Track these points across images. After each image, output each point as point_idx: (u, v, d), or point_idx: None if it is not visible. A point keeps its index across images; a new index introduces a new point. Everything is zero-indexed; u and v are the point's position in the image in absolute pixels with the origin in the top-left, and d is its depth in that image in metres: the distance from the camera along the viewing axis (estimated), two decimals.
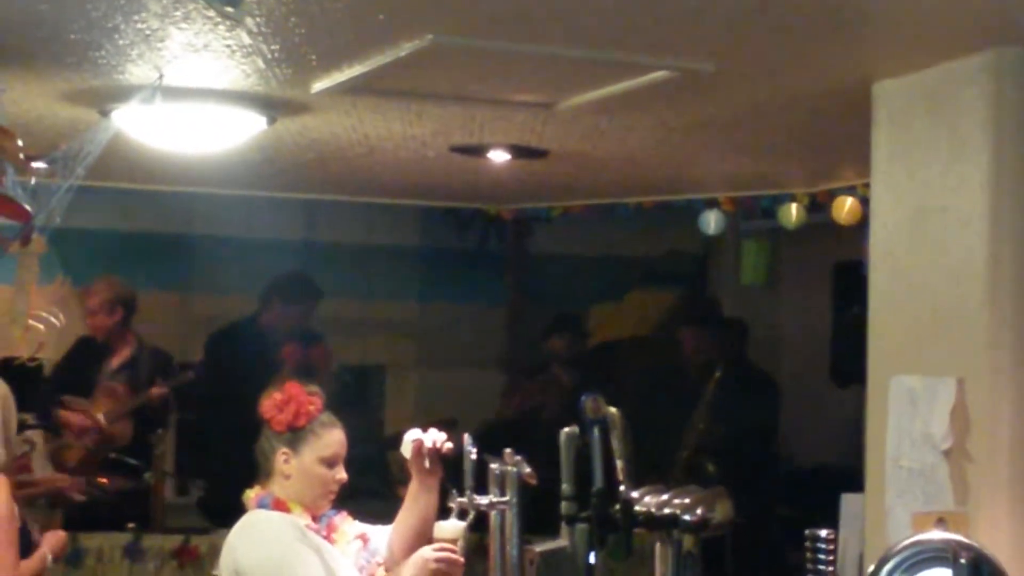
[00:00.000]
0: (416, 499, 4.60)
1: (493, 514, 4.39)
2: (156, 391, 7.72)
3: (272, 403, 4.53)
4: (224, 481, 7.61)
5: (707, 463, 8.04)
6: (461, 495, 4.39)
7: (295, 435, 4.51)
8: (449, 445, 4.52)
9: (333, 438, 4.55)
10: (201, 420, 8.24)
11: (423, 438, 4.52)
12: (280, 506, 4.49)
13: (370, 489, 6.97)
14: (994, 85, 4.57)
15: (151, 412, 7.77)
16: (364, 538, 4.62)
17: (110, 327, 7.80)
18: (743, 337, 8.75)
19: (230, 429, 7.77)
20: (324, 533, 4.54)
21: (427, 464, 4.52)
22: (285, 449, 4.51)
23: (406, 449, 4.53)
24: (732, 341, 8.66)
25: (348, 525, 4.63)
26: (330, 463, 4.53)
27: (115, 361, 7.85)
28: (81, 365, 7.85)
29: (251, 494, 4.56)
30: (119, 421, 7.65)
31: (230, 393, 7.88)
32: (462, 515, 4.40)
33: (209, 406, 8.13)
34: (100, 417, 7.56)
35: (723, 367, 8.38)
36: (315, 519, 4.54)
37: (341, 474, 4.56)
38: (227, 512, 7.11)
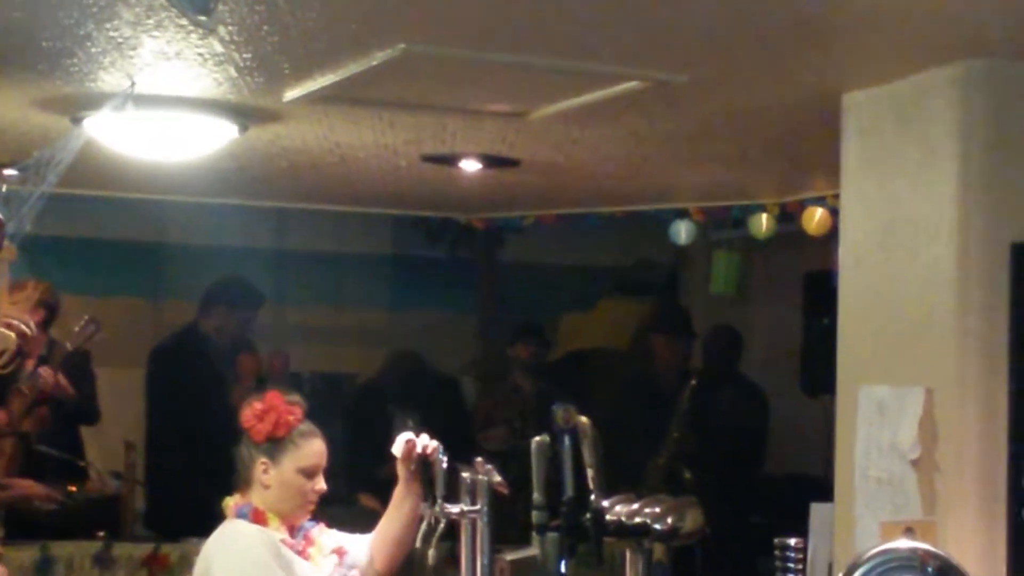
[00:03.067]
0: (400, 505, 4.60)
1: (464, 523, 4.40)
2: (45, 376, 7.54)
3: (252, 413, 4.52)
4: (174, 493, 7.65)
5: (683, 471, 8.05)
6: (432, 504, 4.40)
7: (274, 445, 4.50)
8: (438, 453, 4.51)
9: (313, 448, 4.54)
10: (149, 433, 8.19)
11: (415, 441, 4.52)
12: (259, 517, 4.47)
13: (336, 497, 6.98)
14: (963, 96, 4.60)
15: (63, 399, 7.62)
16: (340, 552, 4.61)
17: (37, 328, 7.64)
18: (735, 346, 8.77)
19: (180, 442, 7.81)
20: (300, 546, 4.52)
21: (412, 467, 4.53)
22: (264, 459, 4.49)
23: (397, 448, 4.53)
24: (722, 349, 8.69)
25: (325, 537, 4.62)
26: (309, 473, 4.51)
27: (30, 363, 7.72)
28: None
29: (230, 502, 4.54)
30: (25, 417, 7.52)
31: (179, 405, 7.89)
32: (433, 524, 4.41)
33: (158, 418, 8.11)
34: (10, 420, 7.45)
35: (701, 376, 8.40)
36: (292, 530, 4.53)
37: (320, 484, 4.55)
38: (177, 526, 7.17)
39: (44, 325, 7.68)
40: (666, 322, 8.84)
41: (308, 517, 4.59)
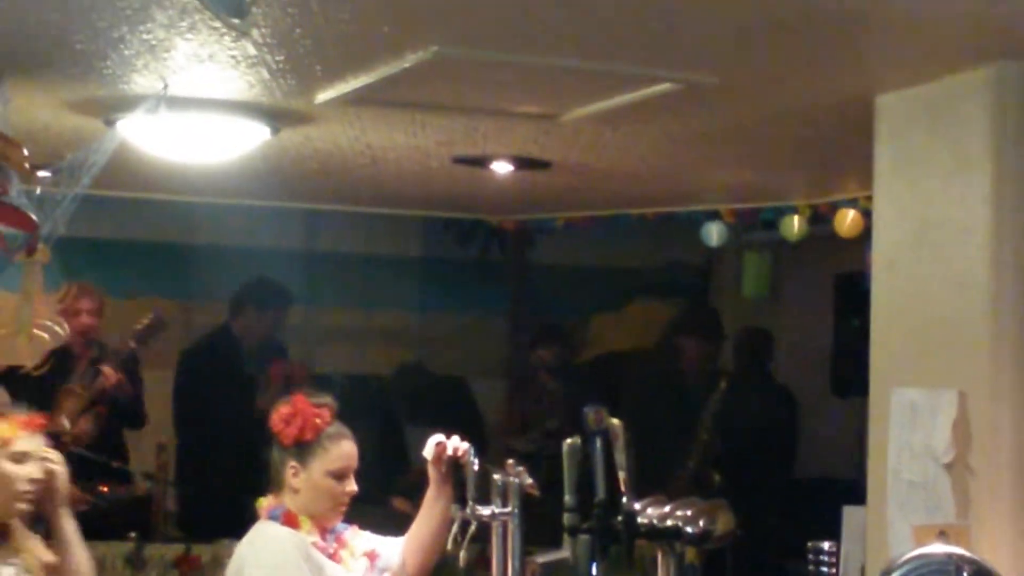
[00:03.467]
0: (432, 507, 4.60)
1: (495, 525, 4.40)
2: (108, 374, 7.45)
3: (279, 417, 4.52)
4: (206, 494, 7.66)
5: (713, 474, 8.04)
6: (463, 506, 4.40)
7: (303, 448, 4.49)
8: (469, 455, 4.51)
9: (342, 451, 4.53)
10: (181, 434, 8.20)
11: (446, 443, 4.52)
12: (290, 520, 4.47)
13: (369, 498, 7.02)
14: (995, 99, 4.58)
15: (119, 400, 7.61)
16: (372, 556, 4.61)
17: (92, 330, 7.68)
18: (765, 347, 8.76)
19: (211, 443, 7.84)
20: (332, 549, 4.52)
21: (443, 469, 4.53)
22: (294, 463, 4.49)
23: (428, 451, 4.54)
24: (753, 351, 8.68)
25: (357, 540, 4.62)
26: (338, 476, 4.51)
27: (81, 365, 7.70)
28: (52, 374, 7.70)
29: (264, 503, 4.55)
30: (79, 419, 7.50)
31: (209, 406, 7.91)
32: (464, 526, 4.41)
33: (190, 420, 8.12)
34: (64, 421, 7.41)
35: (731, 378, 8.38)
36: (324, 532, 4.53)
37: (351, 486, 4.54)
38: (209, 527, 7.17)
39: (95, 330, 7.70)
40: (696, 324, 8.82)
41: (340, 519, 4.59)
